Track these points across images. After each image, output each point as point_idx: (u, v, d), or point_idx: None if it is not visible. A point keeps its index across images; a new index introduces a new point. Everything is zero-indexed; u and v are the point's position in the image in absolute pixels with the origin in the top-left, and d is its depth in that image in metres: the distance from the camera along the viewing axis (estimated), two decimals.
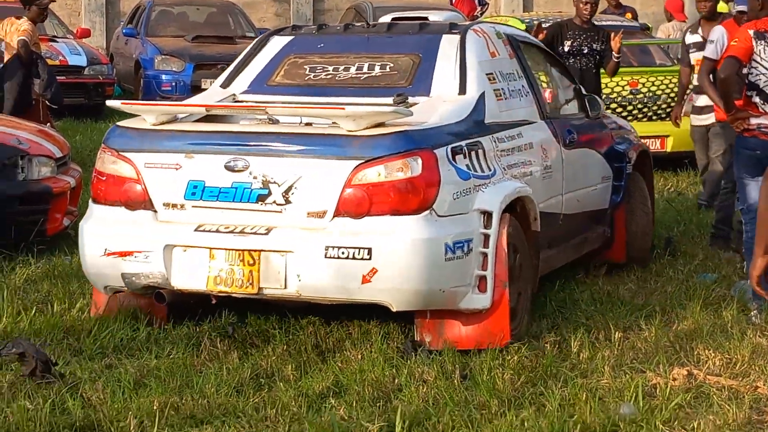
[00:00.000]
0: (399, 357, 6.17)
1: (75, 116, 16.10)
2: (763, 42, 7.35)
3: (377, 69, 7.00)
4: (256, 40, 7.62)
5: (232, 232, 6.15)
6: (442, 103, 6.65)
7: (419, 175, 6.04)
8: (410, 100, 6.66)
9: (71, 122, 15.74)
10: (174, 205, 6.31)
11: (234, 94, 7.14)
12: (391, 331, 6.57)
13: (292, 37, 7.45)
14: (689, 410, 5.56)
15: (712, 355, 6.30)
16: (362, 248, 5.96)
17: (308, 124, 6.60)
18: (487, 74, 6.92)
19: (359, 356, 6.19)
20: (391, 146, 6.05)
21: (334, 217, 6.06)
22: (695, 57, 10.36)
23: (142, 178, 6.36)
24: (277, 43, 7.39)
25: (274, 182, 6.14)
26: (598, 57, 10.17)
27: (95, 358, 6.18)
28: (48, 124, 11.04)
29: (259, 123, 6.65)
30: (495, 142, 6.61)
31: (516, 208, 6.62)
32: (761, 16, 7.55)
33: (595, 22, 10.38)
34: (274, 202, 6.14)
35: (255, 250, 6.10)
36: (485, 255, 6.20)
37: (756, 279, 4.78)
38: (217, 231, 6.18)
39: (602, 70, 10.41)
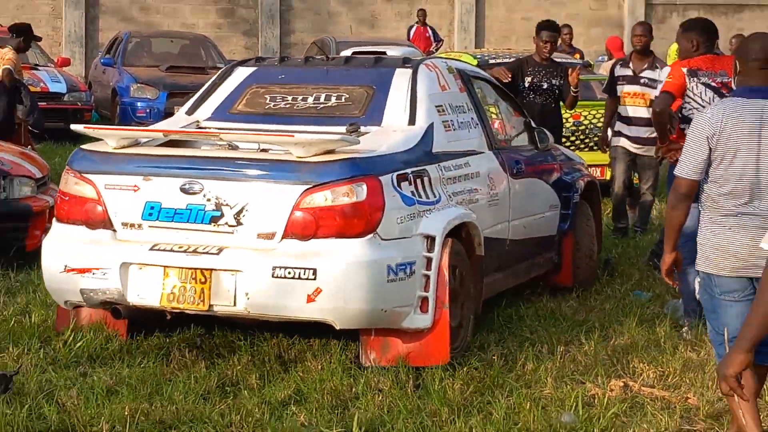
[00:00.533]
0: (356, 367, 6.16)
1: (55, 140, 15.98)
2: (695, 79, 7.44)
3: (333, 99, 6.96)
4: (221, 70, 7.56)
5: (185, 251, 6.07)
6: (392, 132, 6.61)
7: (364, 200, 5.98)
8: (362, 129, 6.63)
9: (51, 145, 15.63)
10: (132, 225, 6.24)
11: (198, 121, 7.08)
12: (349, 344, 6.56)
13: (255, 68, 7.39)
14: (625, 419, 5.59)
15: (647, 368, 6.34)
16: (308, 269, 5.89)
17: (264, 150, 6.53)
18: (436, 106, 6.87)
19: (319, 366, 6.18)
20: (338, 172, 6.00)
21: (282, 238, 5.99)
22: (623, 89, 10.43)
23: (103, 198, 6.29)
24: (240, 74, 7.34)
25: (227, 204, 6.08)
26: (557, 92, 9.97)
27: (70, 367, 6.14)
28: (29, 146, 10.98)
29: (218, 148, 6.58)
30: (441, 170, 6.56)
31: (461, 234, 6.60)
32: (694, 56, 7.63)
33: (554, 59, 10.32)
34: (226, 223, 6.08)
35: (206, 269, 6.03)
36: (427, 277, 6.15)
37: (665, 272, 5.08)
38: (171, 250, 6.10)
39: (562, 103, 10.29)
